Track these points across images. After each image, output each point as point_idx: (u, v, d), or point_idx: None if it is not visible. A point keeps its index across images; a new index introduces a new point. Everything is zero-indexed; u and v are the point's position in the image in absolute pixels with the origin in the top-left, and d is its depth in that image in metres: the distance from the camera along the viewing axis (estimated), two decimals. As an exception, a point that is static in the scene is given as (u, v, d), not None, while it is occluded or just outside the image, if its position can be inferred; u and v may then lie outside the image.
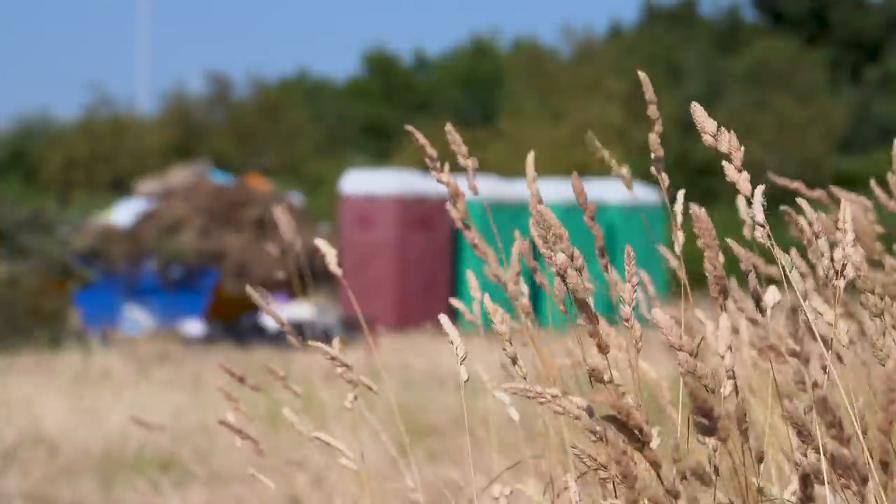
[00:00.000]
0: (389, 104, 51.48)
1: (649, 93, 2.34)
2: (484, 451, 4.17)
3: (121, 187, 37.83)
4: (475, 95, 50.87)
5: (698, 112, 2.06)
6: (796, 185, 3.07)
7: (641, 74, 2.37)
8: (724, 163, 2.05)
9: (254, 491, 6.25)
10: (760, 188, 2.06)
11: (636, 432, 1.78)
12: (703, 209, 2.07)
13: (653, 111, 2.35)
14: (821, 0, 46.69)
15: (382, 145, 49.11)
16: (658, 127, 2.36)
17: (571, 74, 39.65)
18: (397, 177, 21.34)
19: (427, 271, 20.58)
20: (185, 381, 11.05)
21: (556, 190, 22.14)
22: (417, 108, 50.70)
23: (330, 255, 2.71)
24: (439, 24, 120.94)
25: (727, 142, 2.05)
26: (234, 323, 17.23)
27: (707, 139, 2.06)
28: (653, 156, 2.35)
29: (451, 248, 20.86)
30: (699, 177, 37.08)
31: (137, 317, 18.30)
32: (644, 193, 21.99)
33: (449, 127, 2.60)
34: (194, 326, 17.50)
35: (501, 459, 3.59)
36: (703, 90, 42.46)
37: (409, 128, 2.62)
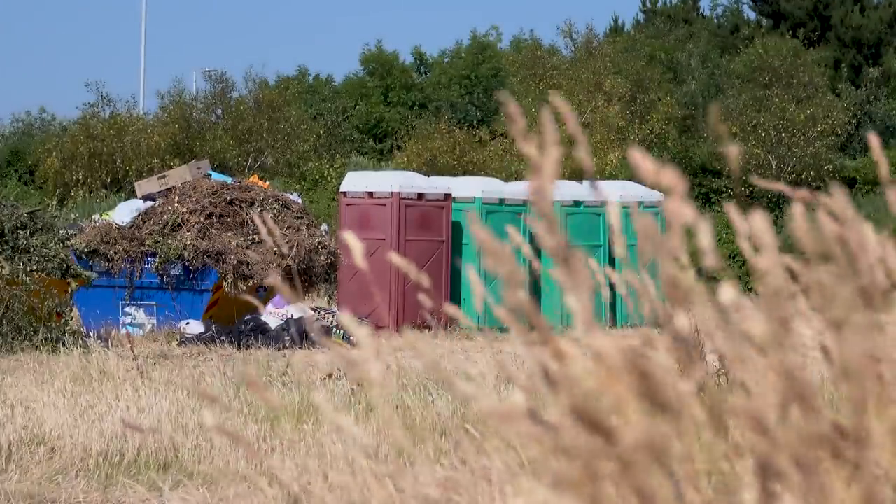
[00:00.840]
0: (389, 104, 51.46)
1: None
2: (483, 451, 4.17)
3: (121, 187, 37.82)
4: (475, 95, 50.85)
5: (636, 156, 2.11)
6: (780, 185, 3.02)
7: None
8: (665, 196, 2.10)
9: (253, 491, 6.24)
10: (707, 221, 2.10)
11: (605, 431, 1.77)
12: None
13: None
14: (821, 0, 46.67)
15: (382, 145, 49.09)
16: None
17: (571, 74, 39.62)
18: (397, 177, 21.34)
19: (427, 271, 20.56)
20: (185, 381, 11.04)
21: (556, 190, 22.13)
22: (417, 108, 50.68)
23: (357, 248, 2.67)
24: (439, 24, 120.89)
25: (669, 177, 2.09)
26: (234, 323, 17.23)
27: (648, 176, 2.11)
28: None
29: (451, 248, 20.86)
30: (699, 177, 37.06)
31: (137, 317, 18.29)
32: (646, 193, 21.98)
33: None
34: (194, 326, 17.50)
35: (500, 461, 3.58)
36: (703, 89, 42.44)
37: (503, 96, 2.54)
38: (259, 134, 41.35)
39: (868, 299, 2.04)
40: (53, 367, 12.14)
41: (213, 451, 7.67)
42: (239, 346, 16.13)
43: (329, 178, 38.15)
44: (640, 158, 2.08)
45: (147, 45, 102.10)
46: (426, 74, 54.45)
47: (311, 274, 18.78)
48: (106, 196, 36.47)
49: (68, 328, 15.72)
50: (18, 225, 16.26)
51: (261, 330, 16.75)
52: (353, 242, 2.59)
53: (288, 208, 18.94)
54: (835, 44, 46.14)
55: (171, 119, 40.83)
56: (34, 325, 15.23)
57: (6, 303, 15.22)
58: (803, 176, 36.89)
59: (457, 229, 20.95)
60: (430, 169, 34.92)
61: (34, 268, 15.84)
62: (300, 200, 19.83)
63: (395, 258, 2.58)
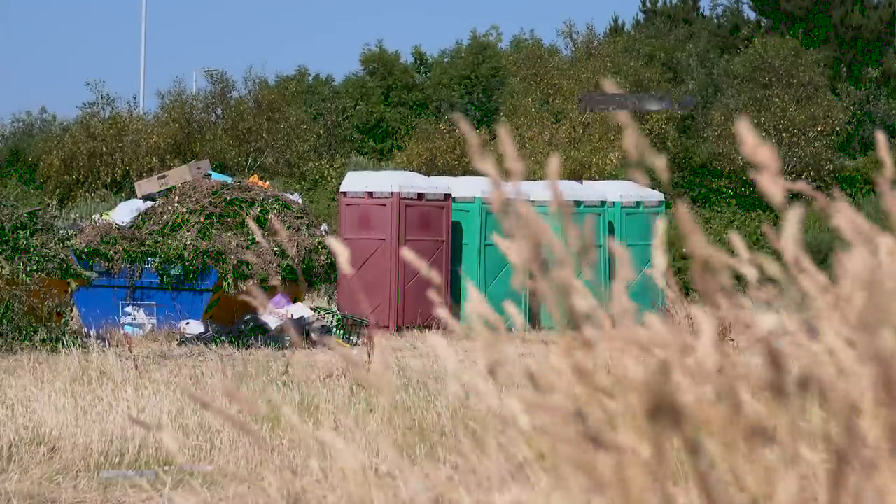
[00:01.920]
0: (389, 104, 51.45)
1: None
2: (484, 452, 4.16)
3: (121, 187, 37.81)
4: (475, 95, 50.85)
5: (742, 128, 2.07)
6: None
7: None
8: (758, 174, 2.05)
9: (254, 491, 6.25)
10: (799, 210, 2.07)
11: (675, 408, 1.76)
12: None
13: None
14: (821, -1, 46.65)
15: (382, 145, 49.09)
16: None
17: (571, 74, 39.62)
18: (397, 177, 21.32)
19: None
20: (185, 381, 11.04)
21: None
22: (417, 108, 50.68)
23: (342, 254, 2.66)
24: (439, 24, 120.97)
25: (765, 153, 2.06)
26: (234, 323, 17.23)
27: (746, 149, 2.07)
28: None
29: (451, 248, 20.85)
30: (698, 176, 37.05)
31: (137, 317, 18.29)
32: (646, 193, 21.99)
33: None
34: (194, 326, 17.50)
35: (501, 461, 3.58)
36: (703, 89, 42.43)
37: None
38: (259, 134, 41.35)
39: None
40: (53, 367, 12.14)
41: (213, 450, 7.67)
42: (239, 346, 16.12)
43: (329, 178, 38.15)
44: (746, 131, 2.06)
45: (147, 45, 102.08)
46: (426, 74, 54.43)
47: (311, 274, 18.79)
48: (106, 196, 36.46)
49: (68, 328, 15.72)
50: (18, 225, 16.26)
51: (261, 330, 16.75)
52: (339, 248, 2.58)
53: (288, 208, 18.95)
54: (835, 44, 46.13)
55: (172, 119, 40.81)
56: (34, 325, 15.23)
57: (6, 303, 15.22)
58: (803, 176, 36.90)
59: (457, 229, 20.94)
60: (430, 169, 34.92)
61: (34, 268, 15.84)
62: (300, 200, 19.84)
63: (407, 253, 2.57)
